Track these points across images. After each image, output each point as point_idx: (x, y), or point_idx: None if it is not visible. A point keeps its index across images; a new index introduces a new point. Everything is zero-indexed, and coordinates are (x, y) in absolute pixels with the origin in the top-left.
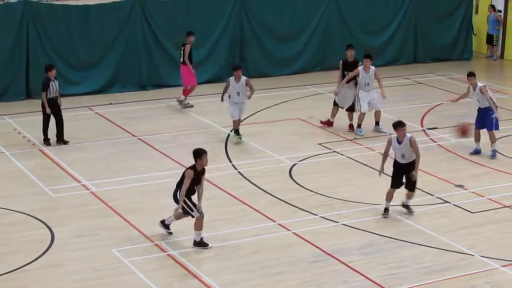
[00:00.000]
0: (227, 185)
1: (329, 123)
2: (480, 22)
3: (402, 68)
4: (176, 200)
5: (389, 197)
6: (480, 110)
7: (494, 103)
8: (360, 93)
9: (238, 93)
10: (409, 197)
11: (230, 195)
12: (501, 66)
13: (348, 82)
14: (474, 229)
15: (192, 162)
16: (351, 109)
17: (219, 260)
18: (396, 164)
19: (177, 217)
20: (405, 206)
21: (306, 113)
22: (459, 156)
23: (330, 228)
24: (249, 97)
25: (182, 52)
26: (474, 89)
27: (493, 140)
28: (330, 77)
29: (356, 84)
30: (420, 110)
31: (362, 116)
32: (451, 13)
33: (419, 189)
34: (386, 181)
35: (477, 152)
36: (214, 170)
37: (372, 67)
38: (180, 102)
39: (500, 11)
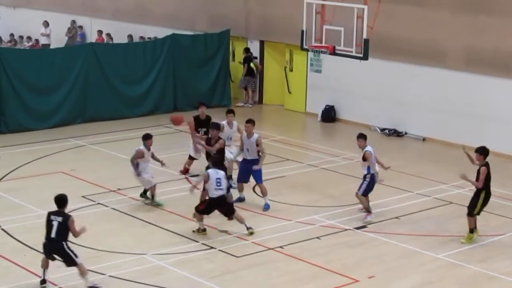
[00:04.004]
0: None
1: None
2: (237, 68)
3: (163, 117)
4: None
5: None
6: (245, 162)
7: (263, 155)
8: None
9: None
10: None
11: None
12: (259, 111)
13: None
14: (240, 273)
15: None
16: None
17: None
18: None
19: None
20: None
21: (69, 166)
22: None
23: (98, 280)
24: None
25: None
26: (249, 137)
27: (265, 192)
28: (91, 128)
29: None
30: (182, 158)
31: (230, 166)
32: (208, 60)
33: (183, 235)
34: (150, 232)
35: (240, 200)
36: None
37: (235, 123)
38: None
39: (256, 57)
